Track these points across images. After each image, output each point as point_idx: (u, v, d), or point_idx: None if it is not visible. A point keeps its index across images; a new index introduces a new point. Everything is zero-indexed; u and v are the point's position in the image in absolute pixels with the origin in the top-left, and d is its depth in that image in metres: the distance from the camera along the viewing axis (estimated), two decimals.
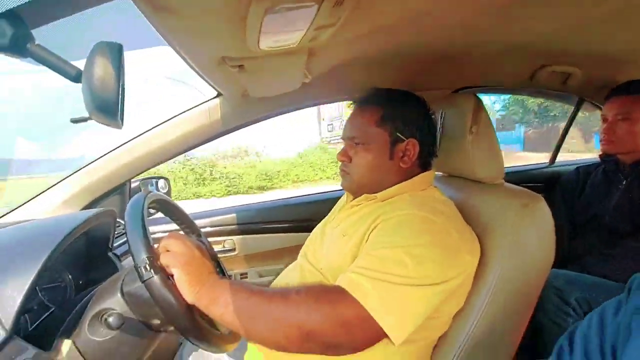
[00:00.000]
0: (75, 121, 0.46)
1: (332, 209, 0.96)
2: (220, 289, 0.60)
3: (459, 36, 0.84)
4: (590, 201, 1.27)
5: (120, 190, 1.15)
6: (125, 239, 1.13)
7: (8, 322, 0.54)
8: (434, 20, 0.70)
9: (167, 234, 0.67)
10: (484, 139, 0.79)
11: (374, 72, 1.09)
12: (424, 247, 0.62)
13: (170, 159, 1.14)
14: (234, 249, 1.34)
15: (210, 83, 0.89)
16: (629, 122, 1.14)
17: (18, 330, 0.56)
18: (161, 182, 1.36)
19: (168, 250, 0.61)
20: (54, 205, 1.02)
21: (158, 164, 1.14)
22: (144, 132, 1.06)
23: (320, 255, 0.80)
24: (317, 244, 0.85)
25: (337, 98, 1.30)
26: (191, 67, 0.69)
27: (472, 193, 0.83)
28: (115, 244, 0.98)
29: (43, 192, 1.02)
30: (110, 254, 0.94)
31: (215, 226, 1.32)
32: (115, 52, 0.35)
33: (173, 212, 0.85)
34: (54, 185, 1.02)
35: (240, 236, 1.34)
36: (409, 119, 0.78)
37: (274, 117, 1.15)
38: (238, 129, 1.11)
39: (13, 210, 0.98)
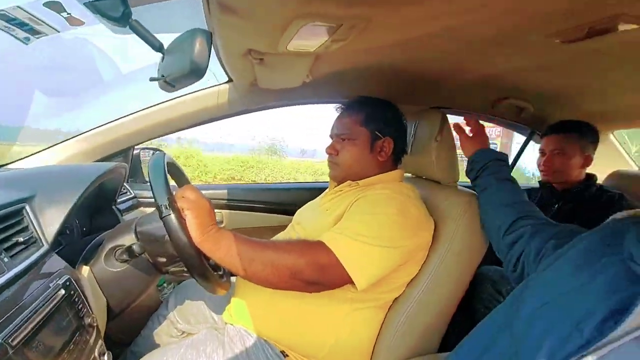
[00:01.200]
0: (153, 79, 0.60)
1: (317, 197, 1.13)
2: (222, 236, 0.73)
3: (437, 63, 1.03)
4: None
5: (124, 154, 1.24)
6: (129, 196, 1.25)
7: (50, 238, 0.65)
8: (419, 46, 0.86)
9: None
10: (445, 148, 0.98)
11: (363, 82, 1.26)
12: (389, 216, 0.79)
13: (174, 132, 1.25)
14: (222, 222, 1.46)
15: (225, 69, 1.02)
16: (563, 156, 1.37)
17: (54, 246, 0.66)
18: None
19: (184, 197, 0.74)
20: (66, 157, 1.10)
21: (162, 135, 1.24)
22: (154, 105, 1.17)
23: (306, 226, 0.95)
24: (303, 219, 1.01)
25: (329, 100, 1.46)
26: (216, 52, 0.81)
27: (432, 190, 1.01)
28: (118, 200, 1.09)
29: (56, 144, 1.10)
30: (114, 207, 1.05)
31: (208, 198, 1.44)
32: (207, 36, 0.49)
33: (179, 176, 0.98)
34: (67, 140, 1.11)
35: (229, 211, 1.47)
36: (386, 121, 0.96)
37: (273, 108, 1.30)
38: (241, 114, 1.24)
39: (29, 156, 1.06)
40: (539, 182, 1.54)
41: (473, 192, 0.95)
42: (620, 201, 1.33)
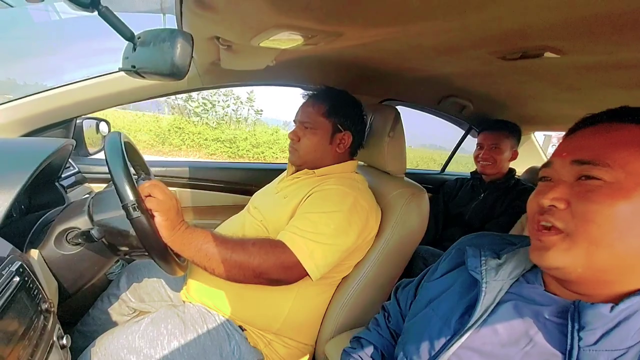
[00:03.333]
0: (122, 70, 0.57)
1: (274, 180, 1.17)
2: (191, 236, 0.76)
3: (390, 60, 1.10)
4: (459, 203, 1.73)
5: (65, 125, 1.14)
6: (73, 170, 1.17)
7: None
8: (376, 46, 0.92)
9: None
10: (397, 142, 1.08)
11: (323, 69, 1.29)
12: (342, 213, 0.87)
13: (123, 104, 1.17)
14: None
15: None
16: (499, 150, 1.61)
17: None
18: (102, 124, 1.37)
19: (151, 196, 0.72)
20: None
21: (109, 107, 1.16)
22: (103, 75, 1.09)
23: (263, 211, 0.99)
24: (260, 203, 1.05)
25: (290, 83, 1.47)
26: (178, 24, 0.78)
27: (382, 180, 1.11)
28: (63, 176, 1.01)
29: None
30: (57, 184, 0.98)
31: (160, 176, 1.39)
32: (189, 40, 0.49)
33: (137, 159, 0.94)
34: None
35: (183, 189, 1.44)
36: (348, 116, 1.02)
37: (232, 87, 1.27)
38: (198, 91, 1.20)
39: None
40: (471, 172, 1.75)
41: (417, 184, 1.07)
42: (530, 192, 1.58)
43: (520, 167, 1.96)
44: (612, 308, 0.41)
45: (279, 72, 1.26)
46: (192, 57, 0.57)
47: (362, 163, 1.27)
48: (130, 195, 0.66)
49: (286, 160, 1.11)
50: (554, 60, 0.82)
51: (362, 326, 0.99)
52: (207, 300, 0.93)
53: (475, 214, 1.64)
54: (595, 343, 0.41)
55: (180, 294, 1.01)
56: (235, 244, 0.80)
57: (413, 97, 1.59)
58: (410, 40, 0.82)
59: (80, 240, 0.74)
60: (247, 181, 1.56)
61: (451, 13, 0.56)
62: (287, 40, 0.59)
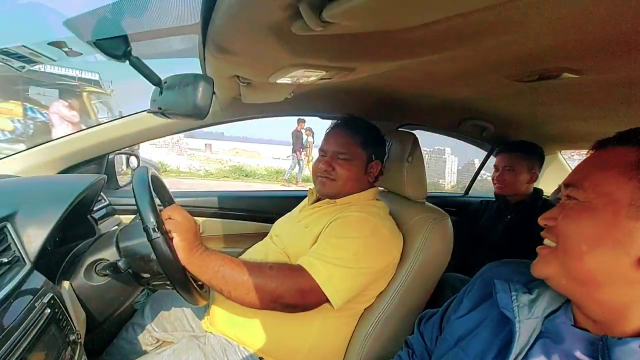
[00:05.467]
0: (150, 111, 0.62)
1: (295, 208, 1.18)
2: (209, 258, 0.77)
3: (407, 87, 1.11)
4: (486, 225, 1.66)
5: (98, 161, 1.22)
6: (104, 203, 1.23)
7: (32, 256, 0.65)
8: (391, 74, 0.94)
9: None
10: (416, 167, 1.07)
11: (342, 99, 1.33)
12: (361, 239, 0.86)
13: (151, 140, 1.24)
14: (200, 230, 1.47)
15: None
16: (513, 173, 1.55)
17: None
18: (132, 159, 1.44)
19: (171, 218, 0.76)
20: (31, 164, 1.07)
21: (139, 143, 1.24)
22: (133, 114, 1.16)
23: (285, 240, 1.00)
24: (281, 231, 1.05)
25: (307, 113, 1.52)
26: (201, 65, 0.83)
27: (403, 206, 1.09)
28: (94, 209, 1.07)
29: (23, 151, 1.06)
30: (89, 216, 1.03)
31: (186, 206, 1.44)
32: (210, 83, 0.53)
33: (162, 191, 0.99)
34: (34, 147, 1.07)
35: (207, 218, 1.48)
36: (379, 146, 1.04)
37: (255, 119, 1.33)
38: (221, 124, 1.26)
39: None
40: (494, 194, 1.69)
41: (439, 209, 1.04)
42: None
43: (549, 187, 1.89)
44: None
45: (297, 103, 1.30)
46: (213, 98, 0.61)
47: (382, 189, 1.26)
48: (151, 218, 0.70)
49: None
50: (573, 80, 0.81)
51: (387, 359, 0.95)
52: (229, 330, 0.92)
53: (504, 237, 1.57)
54: None
55: (202, 324, 1.01)
56: (252, 267, 0.79)
57: (431, 121, 1.59)
58: (424, 68, 0.84)
59: (108, 271, 0.77)
60: (268, 209, 1.58)
61: (465, 41, 0.57)
62: (303, 77, 0.62)
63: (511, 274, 0.58)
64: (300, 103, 1.29)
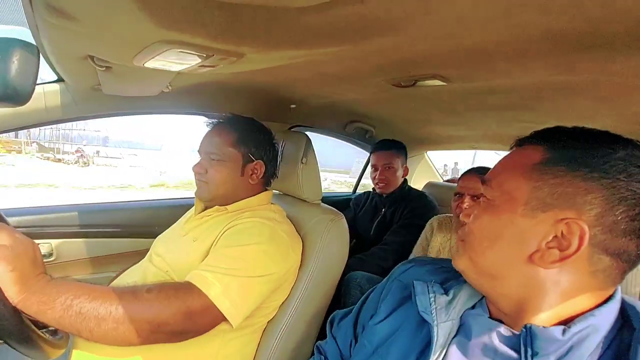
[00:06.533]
0: None
1: (178, 221, 1.02)
2: (55, 290, 0.58)
3: (296, 86, 1.09)
4: (365, 219, 1.79)
5: None
6: None
7: None
8: (280, 72, 0.90)
9: None
10: (310, 168, 1.05)
11: (229, 97, 1.22)
12: (258, 245, 0.78)
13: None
14: (51, 254, 1.13)
15: (54, 68, 0.81)
16: (393, 170, 1.69)
17: None
18: None
19: None
20: None
21: None
22: None
23: (169, 260, 0.84)
24: (164, 249, 0.89)
25: (189, 111, 1.35)
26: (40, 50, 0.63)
27: (299, 208, 1.06)
28: None
29: None
30: None
31: (27, 227, 1.09)
32: (34, 52, 0.36)
33: None
34: None
35: (61, 240, 1.15)
36: (258, 144, 0.96)
37: (120, 116, 1.10)
38: (74, 121, 1.00)
39: None
40: (372, 189, 1.83)
41: (334, 209, 1.05)
42: (421, 197, 1.75)
43: (418, 183, 2.17)
44: (563, 331, 0.41)
45: (177, 100, 1.14)
46: (64, 87, 0.45)
47: (277, 192, 1.21)
48: None
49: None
50: (441, 88, 0.92)
51: None
52: None
53: (380, 230, 1.70)
54: None
55: None
56: (123, 293, 0.63)
57: (320, 122, 1.63)
58: (314, 67, 0.83)
59: None
60: (148, 222, 1.34)
61: (349, 38, 0.57)
62: (178, 61, 0.51)
63: (427, 274, 0.59)
64: (181, 100, 1.13)
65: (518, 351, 0.43)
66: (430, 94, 1.05)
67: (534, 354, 0.41)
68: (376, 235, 1.69)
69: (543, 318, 0.43)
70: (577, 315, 0.42)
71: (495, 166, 0.49)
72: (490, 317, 0.48)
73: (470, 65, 0.70)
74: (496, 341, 0.45)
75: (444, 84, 0.86)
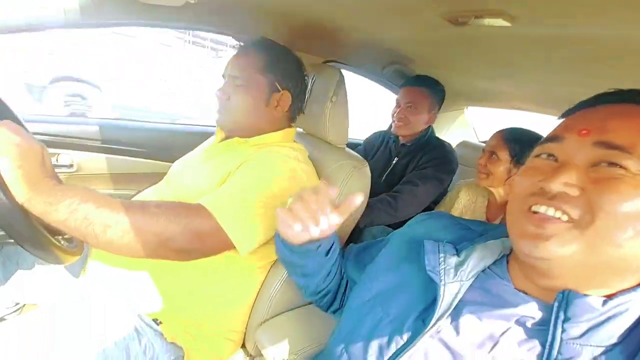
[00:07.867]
0: None
1: (197, 147, 0.99)
2: (62, 193, 0.56)
3: (338, 14, 0.96)
4: (374, 167, 1.58)
5: None
6: None
7: None
8: None
9: None
10: (340, 108, 0.97)
11: (261, 18, 1.11)
12: (276, 181, 0.75)
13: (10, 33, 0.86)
14: (71, 165, 1.15)
15: None
16: (415, 111, 1.44)
17: None
18: None
19: None
20: None
21: None
22: None
23: (185, 183, 0.84)
24: (181, 173, 0.88)
25: (215, 29, 1.24)
26: None
27: (322, 150, 1.01)
28: None
29: None
30: None
31: (49, 135, 1.10)
32: None
33: None
34: None
35: (83, 152, 1.17)
36: (287, 73, 0.88)
37: (141, 26, 1.03)
38: (99, 27, 0.94)
39: None
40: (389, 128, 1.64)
41: (359, 156, 1.00)
42: (442, 146, 1.50)
43: (452, 141, 2.03)
44: (604, 302, 0.38)
45: (202, 14, 1.04)
46: None
47: (301, 130, 1.15)
48: None
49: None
50: (502, 31, 0.78)
51: (296, 307, 0.93)
52: (112, 289, 0.76)
53: (388, 187, 1.50)
54: (581, 336, 0.38)
55: (77, 283, 0.83)
56: (131, 205, 0.62)
57: (357, 60, 1.49)
58: None
59: None
60: (168, 145, 1.34)
61: None
62: None
63: (442, 229, 0.55)
64: (205, 15, 1.03)
65: (545, 317, 0.40)
66: (486, 39, 0.91)
67: (566, 319, 0.38)
68: (385, 189, 1.48)
69: (592, 292, 0.39)
70: (621, 291, 0.38)
71: (626, 127, 0.37)
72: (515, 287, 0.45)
73: (547, 5, 0.58)
74: (520, 307, 0.42)
75: (508, 25, 0.73)
